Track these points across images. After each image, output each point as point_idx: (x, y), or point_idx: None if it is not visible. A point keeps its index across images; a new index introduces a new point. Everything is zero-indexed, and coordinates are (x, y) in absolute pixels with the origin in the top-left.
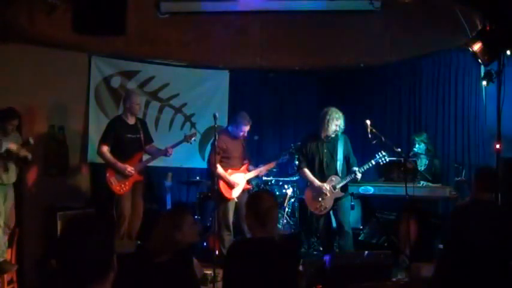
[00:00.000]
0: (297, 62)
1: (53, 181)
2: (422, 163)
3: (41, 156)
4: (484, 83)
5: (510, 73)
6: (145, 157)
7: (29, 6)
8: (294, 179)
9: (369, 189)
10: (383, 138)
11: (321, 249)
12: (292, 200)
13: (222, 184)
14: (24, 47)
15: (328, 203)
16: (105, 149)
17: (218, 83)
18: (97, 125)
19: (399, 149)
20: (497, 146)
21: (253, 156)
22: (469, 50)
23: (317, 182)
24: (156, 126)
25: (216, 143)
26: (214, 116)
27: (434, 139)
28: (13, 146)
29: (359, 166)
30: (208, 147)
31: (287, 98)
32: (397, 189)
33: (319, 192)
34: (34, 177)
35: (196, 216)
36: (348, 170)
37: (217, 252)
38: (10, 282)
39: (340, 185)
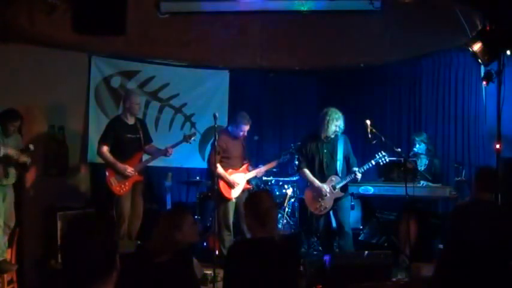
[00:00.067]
0: (297, 62)
1: (53, 181)
2: (422, 163)
3: (41, 156)
4: (484, 83)
5: (510, 73)
6: (145, 157)
7: (29, 6)
8: (294, 179)
9: (369, 189)
10: (383, 138)
11: (321, 249)
12: (292, 200)
13: (221, 184)
14: (24, 47)
15: (328, 203)
16: (105, 149)
17: (218, 83)
18: (97, 125)
19: (399, 149)
20: (497, 146)
21: (253, 156)
22: (469, 50)
23: (317, 182)
24: (156, 126)
25: (216, 142)
26: (214, 116)
27: (434, 139)
28: (13, 152)
29: (359, 166)
30: (208, 147)
31: (287, 98)
32: (397, 189)
33: (319, 192)
34: (34, 177)
35: (196, 216)
36: (348, 170)
37: (217, 252)
38: (10, 282)
39: (340, 185)
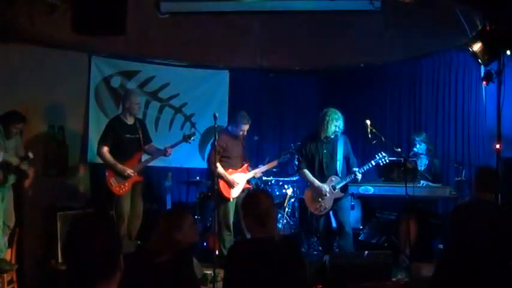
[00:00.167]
0: (297, 62)
1: (52, 181)
2: (422, 163)
3: (41, 156)
4: (484, 83)
5: (510, 73)
6: (144, 157)
7: (29, 7)
8: (294, 179)
9: (369, 189)
10: (383, 138)
11: (321, 249)
12: (292, 200)
13: (221, 184)
14: (24, 47)
15: (328, 203)
16: (105, 149)
17: (218, 83)
18: (97, 125)
19: (399, 149)
20: (497, 146)
21: (253, 156)
22: (469, 50)
23: (317, 182)
24: (156, 126)
25: (216, 142)
26: (214, 116)
27: (434, 139)
28: (13, 159)
29: (359, 166)
30: (208, 147)
31: (287, 98)
32: (397, 189)
33: (319, 192)
34: (34, 177)
35: (196, 216)
36: (348, 170)
37: (217, 252)
38: (10, 282)
39: (340, 185)
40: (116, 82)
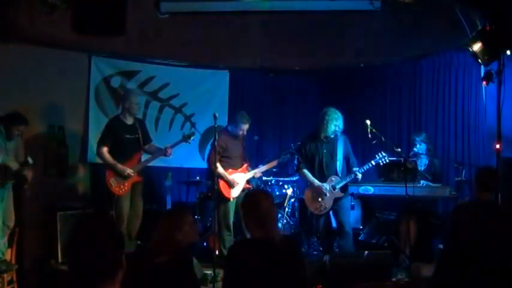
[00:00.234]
0: (297, 62)
1: (52, 181)
2: (422, 163)
3: (41, 156)
4: (484, 83)
5: (510, 73)
6: (144, 157)
7: (29, 7)
8: (294, 179)
9: (369, 189)
10: (383, 138)
11: (321, 249)
12: (292, 200)
13: (221, 184)
14: (24, 47)
15: (327, 203)
16: (105, 150)
17: (218, 83)
18: (97, 125)
19: (399, 149)
20: (497, 146)
21: (253, 156)
22: (469, 50)
23: (317, 182)
24: (156, 126)
25: (216, 142)
26: (214, 116)
27: (434, 139)
28: (12, 164)
29: (359, 166)
30: (208, 147)
31: (287, 98)
32: (397, 189)
33: (319, 192)
34: (34, 177)
35: (196, 216)
36: (348, 170)
37: (217, 252)
38: (10, 282)
39: (340, 185)
40: (116, 82)
